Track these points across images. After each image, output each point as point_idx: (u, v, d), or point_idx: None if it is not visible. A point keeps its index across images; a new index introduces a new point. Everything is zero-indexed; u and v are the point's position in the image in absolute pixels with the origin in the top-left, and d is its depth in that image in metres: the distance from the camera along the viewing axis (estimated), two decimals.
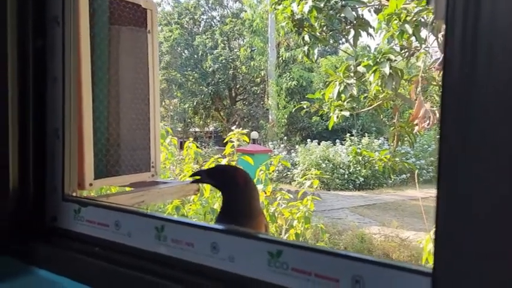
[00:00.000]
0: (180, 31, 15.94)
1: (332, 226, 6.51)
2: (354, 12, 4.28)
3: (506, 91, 0.38)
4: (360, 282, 0.52)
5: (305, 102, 5.27)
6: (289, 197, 3.58)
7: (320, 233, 3.77)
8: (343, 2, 4.19)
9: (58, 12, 0.83)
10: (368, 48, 10.55)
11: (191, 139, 3.88)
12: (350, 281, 0.53)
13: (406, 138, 4.63)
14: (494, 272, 0.40)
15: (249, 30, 14.71)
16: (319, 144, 11.18)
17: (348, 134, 11.41)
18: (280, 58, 14.11)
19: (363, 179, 10.18)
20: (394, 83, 3.77)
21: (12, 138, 0.83)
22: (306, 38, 4.48)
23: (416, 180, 6.22)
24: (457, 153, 0.41)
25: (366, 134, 11.64)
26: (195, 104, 15.51)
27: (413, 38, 3.84)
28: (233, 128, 3.67)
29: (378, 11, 4.28)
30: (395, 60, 3.87)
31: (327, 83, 4.51)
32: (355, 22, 4.36)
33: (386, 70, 3.67)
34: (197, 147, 3.85)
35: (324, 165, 10.21)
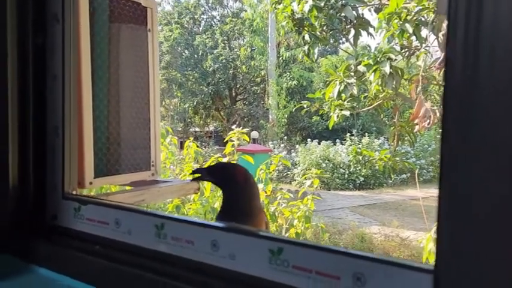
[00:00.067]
0: (180, 31, 15.93)
1: (332, 226, 6.51)
2: (354, 12, 4.28)
3: (507, 91, 0.38)
4: (361, 279, 0.52)
5: (305, 101, 5.27)
6: (290, 196, 3.58)
7: (320, 232, 3.77)
8: (344, 1, 4.19)
9: (58, 9, 0.83)
10: (368, 48, 10.55)
11: (191, 138, 3.87)
12: (351, 278, 0.53)
13: (406, 138, 4.63)
14: (494, 269, 0.40)
15: (249, 30, 14.70)
16: (319, 143, 11.18)
17: (348, 134, 11.41)
18: (281, 58, 14.10)
19: (363, 179, 10.17)
20: (394, 82, 3.77)
21: (12, 136, 0.83)
22: (306, 37, 4.48)
23: (416, 180, 6.22)
24: (458, 153, 0.41)
25: (366, 134, 11.63)
26: (195, 103, 15.51)
27: (413, 37, 3.83)
28: (233, 127, 3.67)
29: (378, 10, 4.28)
30: (396, 59, 3.87)
31: (327, 82, 4.51)
32: (355, 21, 4.36)
33: (387, 69, 3.67)
34: (197, 146, 3.85)
35: (324, 164, 10.21)
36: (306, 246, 0.58)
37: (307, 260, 0.57)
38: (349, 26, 4.46)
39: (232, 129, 3.57)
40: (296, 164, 10.59)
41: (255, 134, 10.44)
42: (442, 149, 0.42)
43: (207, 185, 3.11)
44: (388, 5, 3.78)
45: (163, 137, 3.40)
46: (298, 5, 4.30)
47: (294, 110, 11.30)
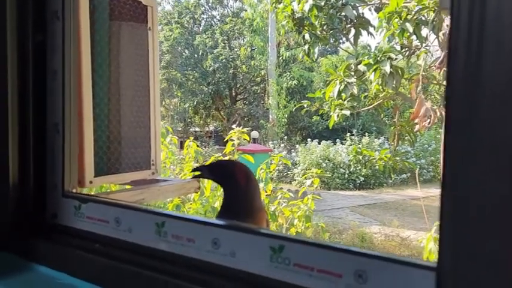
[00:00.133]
0: (181, 30, 15.93)
1: (332, 225, 6.51)
2: (354, 11, 4.28)
3: (505, 92, 0.38)
4: (362, 276, 0.52)
5: (305, 101, 5.27)
6: (290, 196, 3.57)
7: (321, 232, 3.77)
8: (344, 1, 4.19)
9: (58, 7, 0.83)
10: (369, 47, 10.56)
11: (191, 138, 3.87)
12: (353, 276, 0.53)
13: (406, 138, 4.63)
14: (496, 266, 0.40)
15: (249, 30, 14.70)
16: (319, 143, 11.18)
17: (348, 134, 11.41)
18: (281, 57, 14.10)
19: (363, 179, 10.17)
20: (394, 81, 3.77)
21: (12, 134, 0.82)
22: (307, 36, 4.48)
23: (417, 180, 6.22)
24: (461, 152, 0.41)
25: (367, 134, 11.63)
26: (195, 103, 15.51)
27: (414, 37, 3.84)
28: (233, 127, 3.66)
29: (378, 10, 4.28)
30: (396, 58, 3.87)
31: (328, 82, 4.51)
32: (355, 21, 4.36)
33: (387, 69, 3.67)
34: (197, 146, 3.85)
35: (324, 164, 10.21)
36: (307, 243, 0.58)
37: (308, 258, 0.56)
38: (349, 26, 4.46)
39: (233, 129, 3.56)
40: (296, 164, 10.59)
41: (255, 133, 10.44)
42: (445, 147, 0.42)
43: (207, 185, 3.11)
44: (388, 4, 3.78)
45: (164, 137, 3.40)
46: (299, 4, 4.30)
47: (294, 109, 11.30)
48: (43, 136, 0.85)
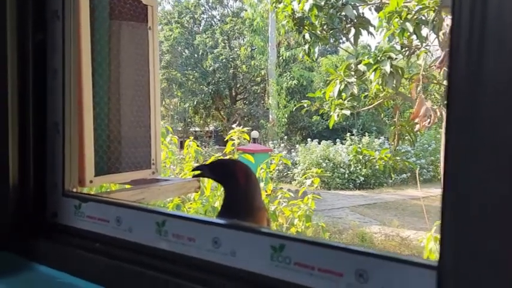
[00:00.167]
0: (181, 30, 15.93)
1: (333, 225, 6.51)
2: (354, 11, 4.28)
3: (507, 91, 0.38)
4: (363, 275, 0.52)
5: (305, 101, 5.27)
6: (290, 196, 3.57)
7: (321, 231, 3.76)
8: (344, 0, 4.19)
9: (58, 6, 0.83)
10: (369, 47, 10.56)
11: (191, 138, 3.87)
12: (354, 275, 0.53)
13: (406, 137, 4.63)
14: (497, 266, 0.40)
15: (250, 29, 14.70)
16: (319, 143, 11.18)
17: (349, 133, 11.41)
18: (281, 57, 14.10)
19: (363, 178, 10.17)
20: (394, 81, 3.77)
21: (12, 134, 0.82)
22: (307, 36, 4.48)
23: (417, 179, 6.22)
24: (463, 151, 0.41)
25: (367, 133, 11.64)
26: (195, 103, 15.51)
27: (414, 36, 3.84)
28: (233, 126, 3.66)
29: (378, 9, 4.28)
30: (396, 58, 3.87)
31: (328, 82, 4.51)
32: (355, 20, 4.36)
33: (387, 68, 3.67)
34: (197, 146, 3.84)
35: (324, 164, 10.21)
36: (308, 242, 0.58)
37: (309, 257, 0.56)
38: (349, 25, 4.46)
39: (233, 129, 3.56)
40: (296, 164, 10.59)
41: (255, 133, 10.44)
42: (446, 146, 0.42)
43: (208, 184, 3.11)
44: (388, 3, 3.78)
45: (164, 136, 3.40)
46: (299, 4, 4.30)
47: (294, 109, 11.31)
48: (43, 135, 0.85)
